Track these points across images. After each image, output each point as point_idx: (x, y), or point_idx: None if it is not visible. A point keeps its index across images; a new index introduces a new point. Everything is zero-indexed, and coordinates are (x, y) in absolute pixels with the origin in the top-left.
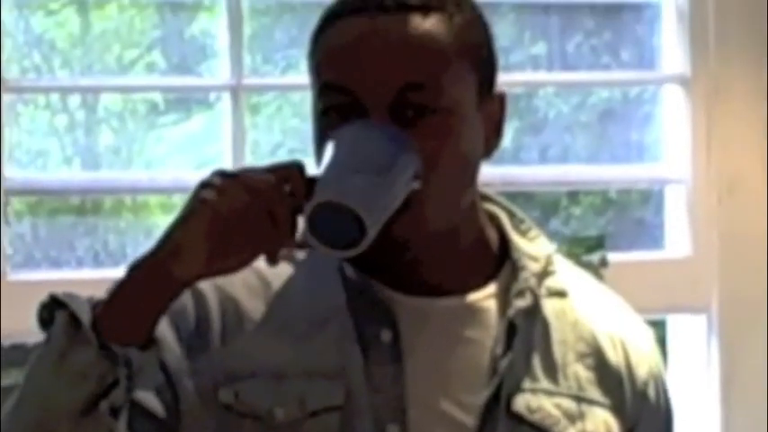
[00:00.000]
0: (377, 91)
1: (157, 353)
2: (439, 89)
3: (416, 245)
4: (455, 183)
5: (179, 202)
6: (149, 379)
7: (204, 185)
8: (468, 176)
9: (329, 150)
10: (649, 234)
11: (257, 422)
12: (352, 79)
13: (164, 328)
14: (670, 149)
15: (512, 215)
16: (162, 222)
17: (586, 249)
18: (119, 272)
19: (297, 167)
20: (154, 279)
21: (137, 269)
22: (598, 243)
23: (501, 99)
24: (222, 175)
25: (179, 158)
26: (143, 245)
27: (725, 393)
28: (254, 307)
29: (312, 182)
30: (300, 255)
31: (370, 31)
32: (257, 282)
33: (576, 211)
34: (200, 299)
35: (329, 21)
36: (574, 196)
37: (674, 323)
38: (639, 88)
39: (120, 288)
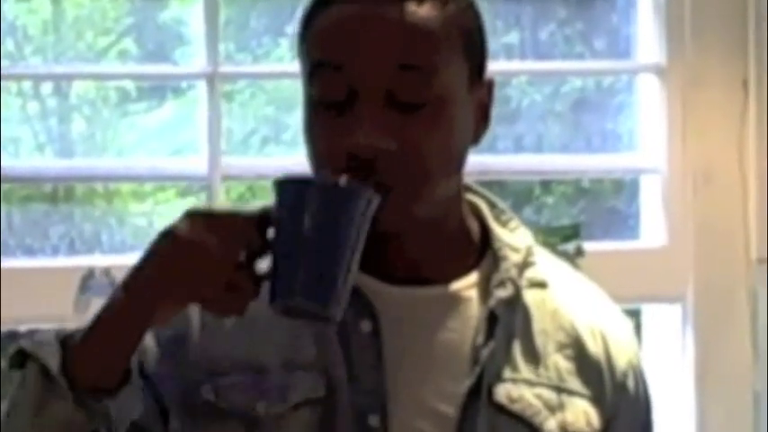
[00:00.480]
0: (370, 72)
1: (132, 386)
2: (433, 73)
3: (404, 234)
4: (445, 171)
5: (151, 190)
6: (129, 412)
7: (167, 239)
8: (457, 164)
9: (272, 235)
10: (623, 224)
11: (240, 418)
12: (346, 57)
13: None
14: (645, 139)
15: (492, 206)
16: (134, 210)
17: (562, 239)
18: (93, 259)
19: (256, 220)
20: (122, 320)
21: (106, 311)
22: (574, 232)
23: (489, 85)
24: (182, 235)
25: (152, 146)
26: (117, 232)
27: (699, 383)
28: None
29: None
30: None
31: (366, 14)
32: None
33: (549, 200)
34: (183, 314)
35: (321, 6)
36: (547, 185)
37: (649, 313)
38: (614, 77)
39: (91, 330)
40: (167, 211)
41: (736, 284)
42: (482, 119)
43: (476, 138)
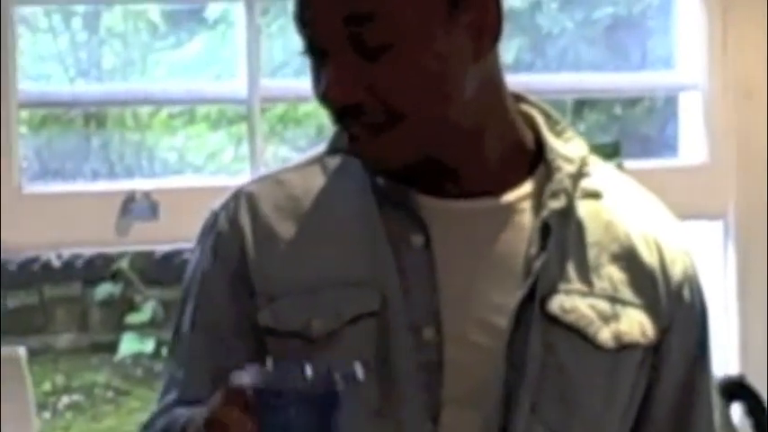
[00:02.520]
0: (324, 27)
1: None
2: (386, 17)
3: (426, 160)
4: (438, 100)
5: (182, 123)
6: None
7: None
8: (457, 88)
9: None
10: (655, 150)
11: (296, 338)
12: (305, 14)
13: (217, 287)
14: (684, 56)
15: (547, 116)
16: (165, 144)
17: (602, 157)
18: (133, 183)
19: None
20: None
21: None
22: (614, 150)
23: (482, 3)
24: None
25: (192, 72)
26: (148, 165)
27: (741, 299)
28: (286, 228)
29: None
30: None
31: None
32: (287, 202)
33: (581, 127)
34: (239, 235)
35: None
36: (578, 112)
37: (691, 230)
38: None
39: None
40: (198, 146)
41: None
42: (479, 37)
43: (477, 56)
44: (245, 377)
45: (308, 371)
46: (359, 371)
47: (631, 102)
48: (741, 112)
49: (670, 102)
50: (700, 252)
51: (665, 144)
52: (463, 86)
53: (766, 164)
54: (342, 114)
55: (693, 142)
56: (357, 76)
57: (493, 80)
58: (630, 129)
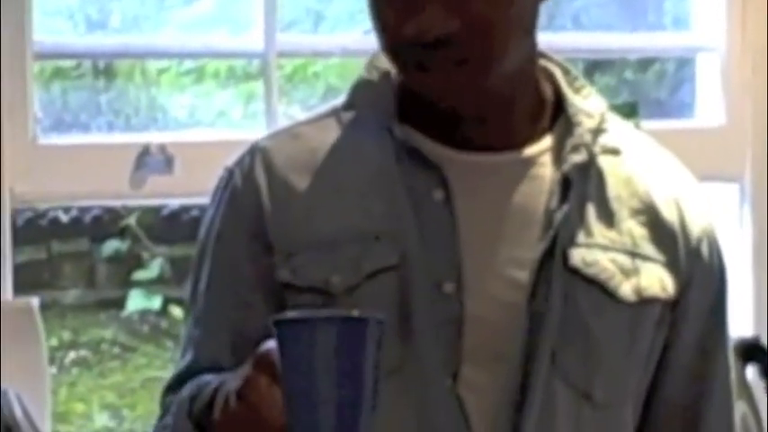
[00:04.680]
0: None
1: None
2: None
3: (478, 105)
4: (515, 35)
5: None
6: None
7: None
8: (527, 25)
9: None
10: (665, 114)
11: (315, 293)
12: None
13: (234, 244)
14: (702, 18)
15: (566, 72)
16: (174, 103)
17: (620, 117)
18: (149, 136)
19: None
20: None
21: None
22: (631, 110)
23: None
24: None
25: (204, 28)
26: (158, 115)
27: (757, 261)
28: (302, 182)
29: None
30: None
31: None
32: (303, 156)
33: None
34: (255, 191)
35: None
36: (590, 75)
37: (707, 192)
38: None
39: None
40: (207, 104)
41: None
42: None
43: (535, 3)
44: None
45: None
46: (382, 317)
47: (643, 65)
48: (759, 75)
49: (683, 65)
50: (716, 214)
51: (676, 108)
52: (523, 32)
53: None
54: (424, 46)
55: (709, 104)
56: (453, 8)
57: (532, 32)
58: (642, 92)
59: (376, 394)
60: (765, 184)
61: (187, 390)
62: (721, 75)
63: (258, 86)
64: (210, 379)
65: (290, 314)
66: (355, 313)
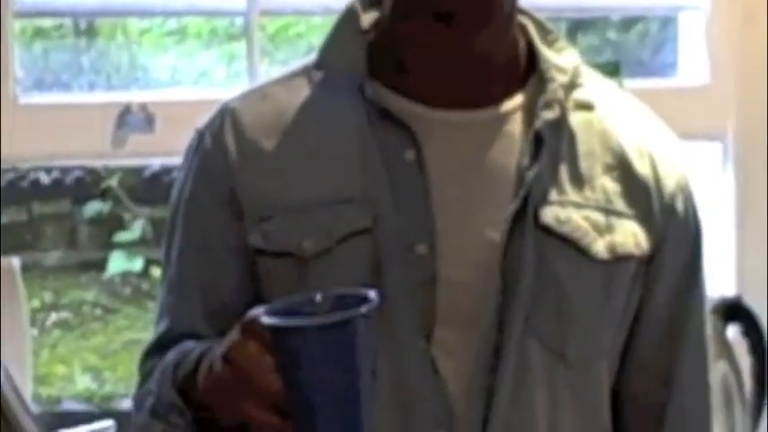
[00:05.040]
0: None
1: None
2: None
3: (464, 62)
4: None
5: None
6: None
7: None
8: None
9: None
10: (648, 74)
11: (287, 258)
12: None
13: (205, 208)
14: None
15: (539, 26)
16: (157, 64)
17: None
18: (129, 95)
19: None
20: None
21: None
22: (614, 69)
23: None
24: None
25: None
26: (139, 75)
27: (739, 220)
28: (272, 144)
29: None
30: None
31: None
32: (272, 116)
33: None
34: (224, 154)
35: None
36: (572, 35)
37: (690, 150)
38: None
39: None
40: (189, 65)
41: None
42: None
43: None
44: (261, 311)
45: (319, 298)
46: (372, 295)
47: (626, 25)
48: (742, 33)
49: (666, 24)
50: (698, 173)
51: (659, 68)
52: None
53: (766, 86)
54: None
55: (692, 63)
56: None
57: None
58: (624, 52)
59: (374, 375)
60: (748, 143)
61: (171, 356)
62: (705, 33)
63: (240, 47)
64: (194, 345)
65: (279, 311)
66: (337, 316)
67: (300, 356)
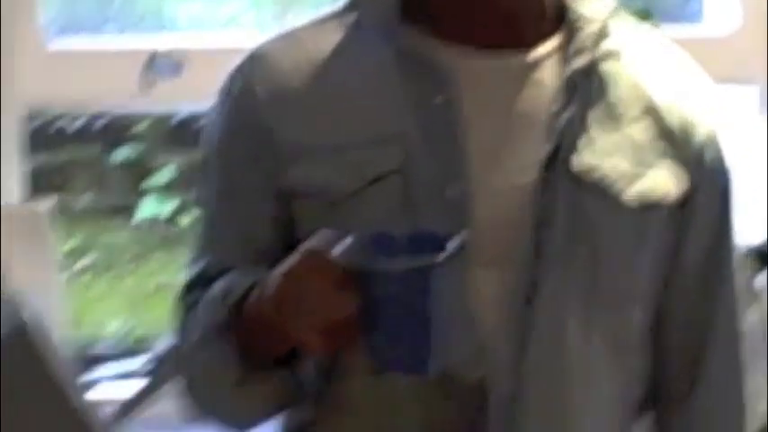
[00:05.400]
0: None
1: None
2: None
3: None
4: None
5: None
6: None
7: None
8: None
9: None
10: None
11: (319, 198)
12: None
13: (237, 152)
14: None
15: None
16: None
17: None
18: (156, 41)
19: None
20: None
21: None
22: (646, 15)
23: None
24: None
25: None
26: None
27: None
28: (303, 87)
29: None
30: None
31: None
32: (304, 60)
33: None
34: (255, 98)
35: None
36: None
37: (723, 95)
38: None
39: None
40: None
41: None
42: None
43: None
44: (319, 240)
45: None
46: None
47: None
48: None
49: None
50: (732, 118)
51: (690, 15)
52: None
53: None
54: None
55: (724, 8)
56: None
57: None
58: (652, 2)
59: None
60: None
61: (218, 286)
62: None
63: None
64: (241, 278)
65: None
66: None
67: (372, 297)
